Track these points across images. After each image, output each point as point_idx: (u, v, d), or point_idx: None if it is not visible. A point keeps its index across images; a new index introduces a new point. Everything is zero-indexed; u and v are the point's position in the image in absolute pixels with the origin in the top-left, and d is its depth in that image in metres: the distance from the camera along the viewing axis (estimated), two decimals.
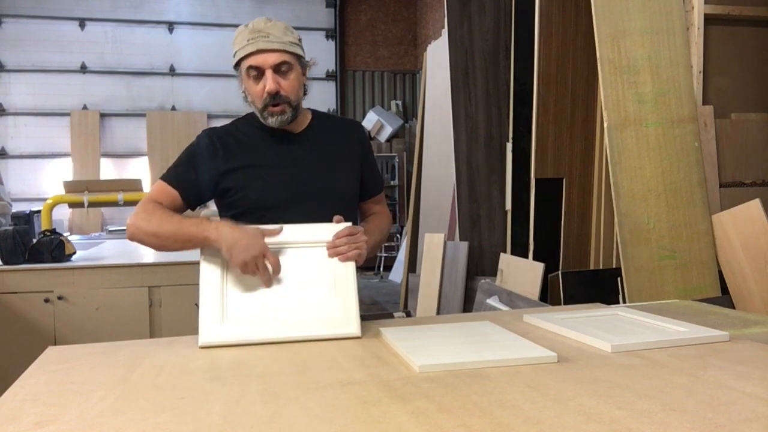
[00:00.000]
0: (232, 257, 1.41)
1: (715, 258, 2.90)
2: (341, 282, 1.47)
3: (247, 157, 1.65)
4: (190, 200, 1.65)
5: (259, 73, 1.56)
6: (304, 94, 1.71)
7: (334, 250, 1.50)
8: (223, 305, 1.41)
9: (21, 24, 8.62)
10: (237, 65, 1.62)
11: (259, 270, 1.43)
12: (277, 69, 1.56)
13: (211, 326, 1.38)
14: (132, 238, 1.54)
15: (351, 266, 1.49)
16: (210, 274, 1.46)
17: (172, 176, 1.65)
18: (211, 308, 1.40)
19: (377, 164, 1.88)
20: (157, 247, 1.57)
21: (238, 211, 1.63)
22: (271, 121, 1.60)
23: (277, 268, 1.45)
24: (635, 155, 2.92)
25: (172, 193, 1.62)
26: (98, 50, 8.85)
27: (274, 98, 1.57)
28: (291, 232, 1.50)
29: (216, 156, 1.64)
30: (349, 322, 1.43)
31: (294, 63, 1.59)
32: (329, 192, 1.65)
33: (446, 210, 5.44)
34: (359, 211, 1.83)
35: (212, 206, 1.81)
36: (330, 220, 1.56)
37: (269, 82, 1.55)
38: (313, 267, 1.48)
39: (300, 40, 1.64)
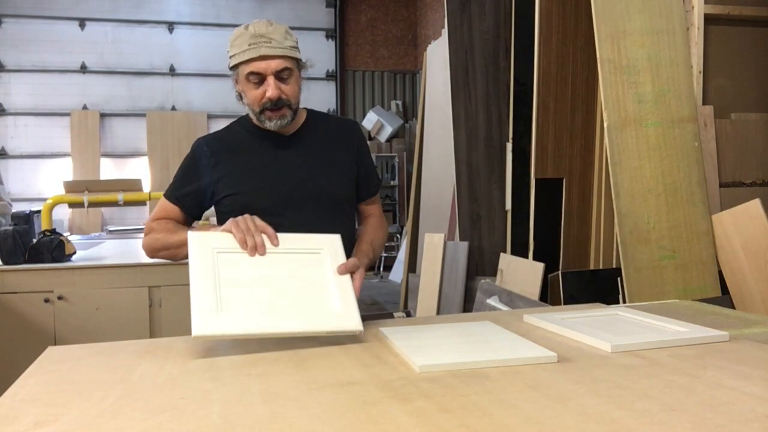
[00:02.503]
0: (227, 225, 1.43)
1: (715, 258, 2.90)
2: (339, 281, 1.44)
3: (237, 161, 1.65)
4: (192, 212, 1.71)
5: (260, 78, 1.56)
6: None
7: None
8: (217, 295, 1.34)
9: (21, 24, 8.62)
10: (235, 67, 1.61)
11: (251, 229, 1.41)
12: (279, 75, 1.56)
13: (206, 316, 1.29)
14: (151, 257, 1.66)
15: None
16: (200, 263, 1.39)
17: (171, 192, 1.70)
18: (204, 298, 1.32)
19: (374, 165, 1.86)
20: (172, 258, 1.63)
21: (231, 215, 1.63)
22: (270, 125, 1.60)
23: (272, 236, 1.43)
24: (635, 155, 2.92)
25: (174, 209, 1.69)
26: (98, 50, 8.85)
27: (276, 103, 1.57)
28: (287, 240, 1.47)
29: (209, 163, 1.65)
30: (351, 317, 1.39)
31: (294, 68, 1.60)
32: (321, 194, 1.64)
33: (446, 210, 5.44)
34: (357, 212, 1.82)
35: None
36: (324, 222, 1.54)
37: (271, 88, 1.55)
38: (309, 268, 1.45)
39: (297, 42, 1.64)
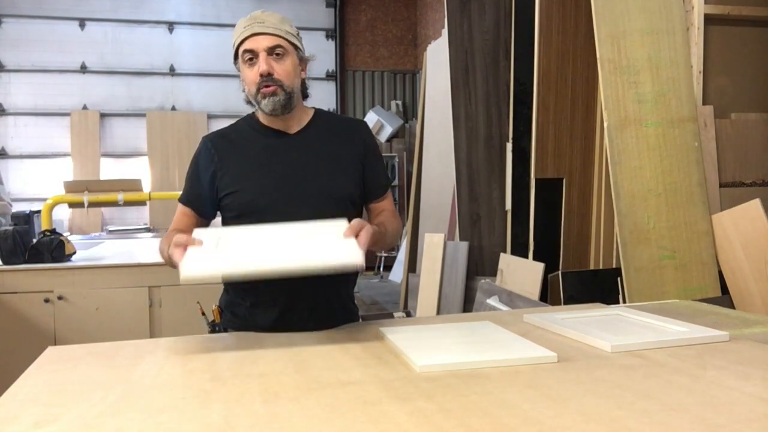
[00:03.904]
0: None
1: (715, 258, 2.90)
2: (343, 234, 1.37)
3: (241, 158, 1.64)
4: (204, 213, 1.67)
5: (253, 56, 1.57)
6: (306, 96, 1.70)
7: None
8: (214, 240, 1.34)
9: (21, 24, 8.62)
10: (236, 57, 1.61)
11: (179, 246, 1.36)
12: (271, 52, 1.56)
13: (196, 258, 1.26)
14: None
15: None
16: (204, 231, 1.43)
17: (183, 194, 1.69)
18: (200, 247, 1.31)
19: (384, 165, 1.83)
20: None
21: (234, 213, 1.62)
22: (264, 105, 1.57)
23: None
24: (635, 155, 2.92)
25: (188, 212, 1.67)
26: (98, 50, 8.85)
27: (266, 80, 1.56)
28: (291, 229, 1.45)
29: (213, 161, 1.64)
30: (351, 253, 1.29)
31: (289, 49, 1.59)
32: (324, 194, 1.62)
33: (446, 210, 5.44)
34: (366, 213, 1.80)
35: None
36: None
37: (261, 63, 1.55)
38: (314, 230, 1.42)
39: (299, 35, 1.64)
